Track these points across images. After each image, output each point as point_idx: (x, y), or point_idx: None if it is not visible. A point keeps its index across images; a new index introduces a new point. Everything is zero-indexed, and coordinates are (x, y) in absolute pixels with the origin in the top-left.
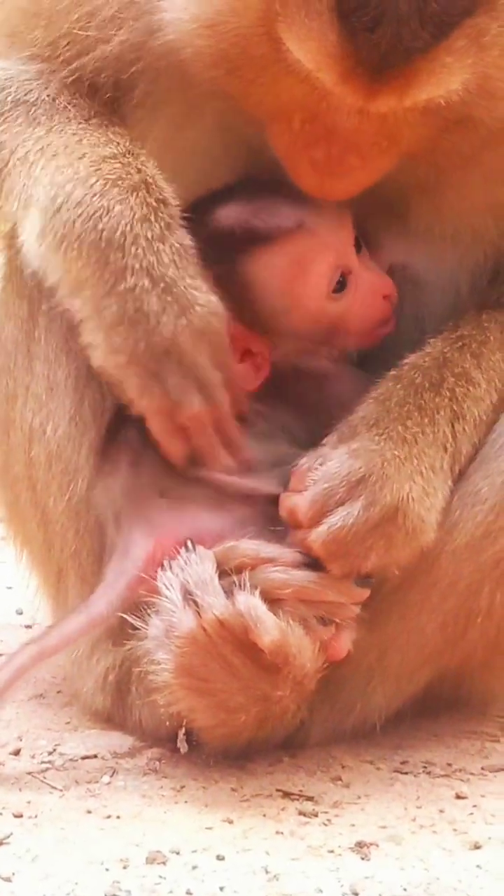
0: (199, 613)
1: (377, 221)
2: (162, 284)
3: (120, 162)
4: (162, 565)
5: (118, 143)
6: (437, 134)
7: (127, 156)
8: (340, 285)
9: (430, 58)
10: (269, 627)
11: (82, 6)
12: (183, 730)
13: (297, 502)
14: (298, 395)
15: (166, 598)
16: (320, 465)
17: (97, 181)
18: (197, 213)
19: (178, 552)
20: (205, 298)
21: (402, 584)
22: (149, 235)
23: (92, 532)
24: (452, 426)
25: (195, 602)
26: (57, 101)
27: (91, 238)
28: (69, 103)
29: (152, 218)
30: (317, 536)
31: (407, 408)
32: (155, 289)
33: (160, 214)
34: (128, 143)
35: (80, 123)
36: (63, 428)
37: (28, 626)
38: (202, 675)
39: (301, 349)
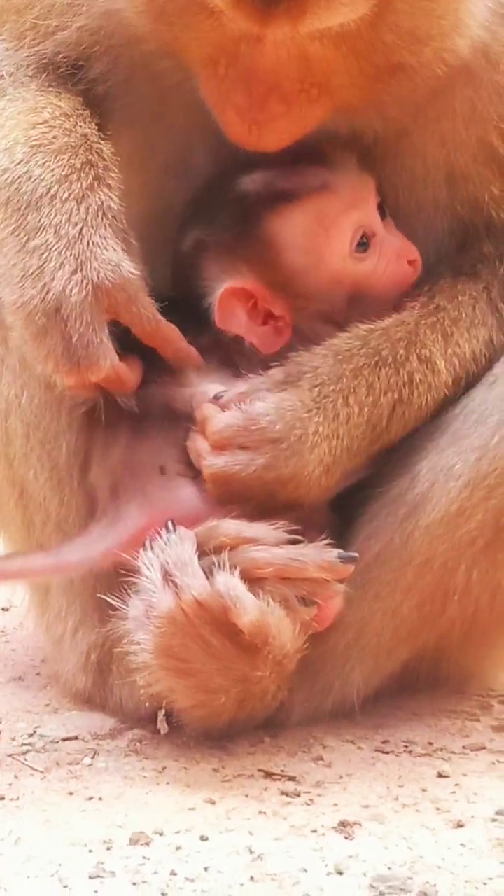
0: (178, 594)
1: None
2: (65, 241)
3: (49, 125)
4: (143, 545)
5: (58, 106)
6: (371, 83)
7: (60, 118)
8: (363, 246)
9: None
10: (248, 607)
11: None
12: (163, 711)
13: (212, 418)
14: None
15: (146, 578)
16: (252, 400)
17: (21, 148)
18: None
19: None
20: (106, 256)
21: (376, 562)
22: (64, 196)
23: (77, 498)
24: (393, 408)
25: (174, 583)
26: (22, 74)
27: (14, 202)
28: (31, 76)
29: (73, 178)
30: (211, 464)
31: (358, 381)
32: (57, 245)
33: (83, 175)
34: (68, 106)
35: (34, 92)
36: (40, 396)
37: (5, 609)
38: (181, 655)
39: (322, 313)
